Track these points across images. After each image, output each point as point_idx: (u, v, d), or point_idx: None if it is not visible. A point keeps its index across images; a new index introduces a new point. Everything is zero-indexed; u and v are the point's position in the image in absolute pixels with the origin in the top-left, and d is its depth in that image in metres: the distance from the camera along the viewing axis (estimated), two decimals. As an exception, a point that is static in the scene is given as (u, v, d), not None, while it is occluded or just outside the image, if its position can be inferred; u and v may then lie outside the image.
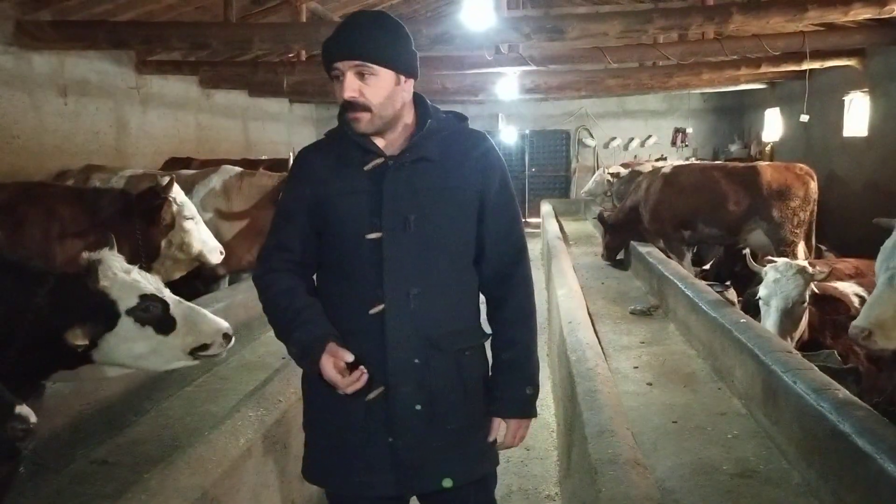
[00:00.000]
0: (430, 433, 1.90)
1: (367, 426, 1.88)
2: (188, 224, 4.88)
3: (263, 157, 9.41)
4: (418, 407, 1.89)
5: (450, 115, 2.03)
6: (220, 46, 8.13)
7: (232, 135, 12.36)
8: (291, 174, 2.05)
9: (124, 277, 2.69)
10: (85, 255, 2.69)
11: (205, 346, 2.82)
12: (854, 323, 2.98)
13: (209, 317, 2.83)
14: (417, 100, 1.99)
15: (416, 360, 1.88)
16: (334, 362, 1.77)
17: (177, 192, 4.85)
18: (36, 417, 1.94)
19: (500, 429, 2.02)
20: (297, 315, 1.86)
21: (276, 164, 7.47)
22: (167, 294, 2.78)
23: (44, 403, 2.90)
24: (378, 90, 1.85)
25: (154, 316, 2.70)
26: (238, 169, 6.36)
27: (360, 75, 1.83)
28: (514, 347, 2.03)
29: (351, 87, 1.83)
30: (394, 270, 1.86)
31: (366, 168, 1.89)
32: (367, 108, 1.85)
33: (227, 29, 7.21)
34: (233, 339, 2.84)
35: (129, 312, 2.64)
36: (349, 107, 1.84)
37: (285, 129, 15.09)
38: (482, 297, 2.10)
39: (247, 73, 10.50)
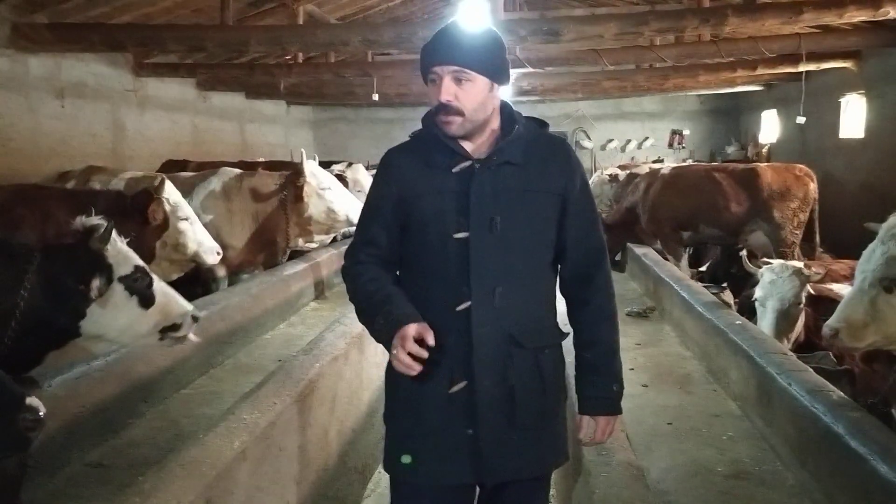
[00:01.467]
0: (509, 427, 1.96)
1: (449, 417, 1.95)
2: (183, 225, 4.88)
3: (260, 160, 9.41)
4: (499, 401, 1.95)
5: (531, 121, 2.09)
6: (216, 49, 8.12)
7: (228, 137, 12.37)
8: (379, 173, 2.11)
9: (122, 246, 2.77)
10: (79, 220, 2.73)
11: (175, 327, 2.93)
12: (825, 323, 3.05)
13: (179, 298, 2.94)
14: (503, 105, 2.07)
15: (500, 357, 1.95)
16: (413, 337, 1.83)
17: (170, 193, 4.85)
18: (45, 409, 1.98)
19: (588, 426, 2.07)
20: (388, 298, 1.94)
21: (272, 167, 7.47)
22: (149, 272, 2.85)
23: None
24: (472, 95, 1.93)
25: (141, 288, 2.78)
26: (237, 170, 6.37)
27: (458, 80, 1.92)
28: (599, 347, 2.09)
29: (448, 90, 1.91)
30: (480, 269, 1.93)
31: (454, 170, 1.96)
32: (460, 112, 1.93)
33: (224, 31, 7.22)
34: (199, 320, 2.98)
35: (122, 280, 2.69)
36: (443, 110, 1.92)
37: (282, 131, 15.10)
38: (559, 297, 2.15)
39: (243, 76, 10.53)
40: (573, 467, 2.77)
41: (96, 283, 2.64)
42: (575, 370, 2.11)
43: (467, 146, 1.99)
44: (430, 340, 1.84)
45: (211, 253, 5.06)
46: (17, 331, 2.51)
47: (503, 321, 1.94)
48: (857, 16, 6.21)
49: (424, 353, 1.83)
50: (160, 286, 2.92)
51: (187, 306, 3.00)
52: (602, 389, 2.07)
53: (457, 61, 1.91)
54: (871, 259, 2.97)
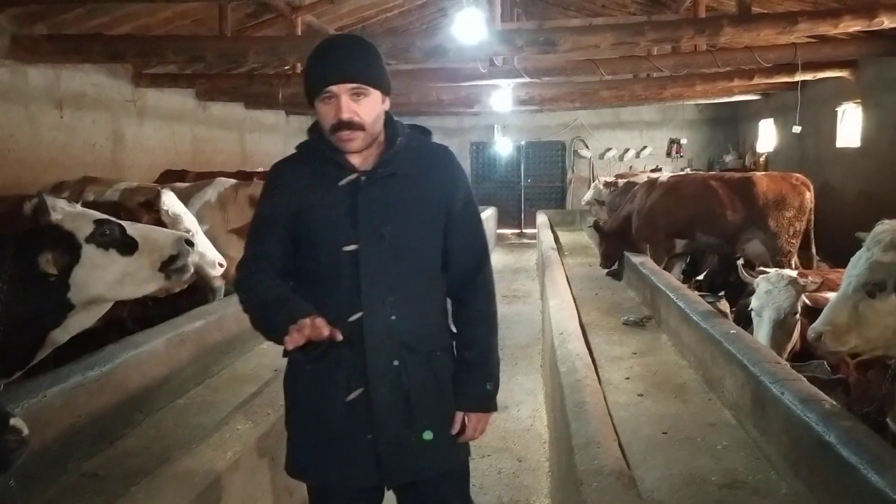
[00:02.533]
0: (408, 429, 2.03)
1: (348, 424, 2.01)
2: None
3: (259, 170, 9.43)
4: (396, 406, 2.02)
5: (414, 130, 2.15)
6: (215, 59, 8.17)
7: (228, 147, 12.40)
8: (268, 186, 2.12)
9: (73, 208, 2.76)
10: (26, 204, 2.77)
11: (173, 259, 2.93)
12: (810, 326, 3.15)
13: (163, 230, 2.98)
14: (386, 116, 2.10)
15: (394, 363, 2.01)
16: (311, 326, 1.81)
17: (170, 204, 4.84)
18: (28, 430, 1.99)
19: (462, 423, 2.14)
20: (289, 298, 1.94)
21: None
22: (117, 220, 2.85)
23: (36, 416, 2.93)
24: (370, 110, 1.98)
25: (114, 238, 2.77)
26: (233, 181, 6.38)
27: (356, 96, 1.95)
28: (476, 346, 2.17)
29: (348, 108, 1.94)
30: (370, 280, 1.98)
31: (340, 183, 2.00)
32: (362, 128, 1.96)
33: (222, 42, 7.26)
34: (195, 245, 2.97)
35: (89, 239, 2.69)
36: (346, 126, 1.94)
37: (282, 140, 15.13)
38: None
39: (242, 86, 10.56)
40: (565, 475, 2.78)
41: (53, 255, 2.64)
42: (455, 368, 2.16)
43: (354, 159, 2.03)
44: (339, 336, 1.86)
45: (213, 265, 5.01)
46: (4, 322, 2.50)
47: (395, 328, 2.00)
48: (853, 25, 6.23)
49: (326, 332, 1.82)
50: (138, 228, 2.92)
51: (175, 234, 3.01)
52: (477, 387, 2.15)
53: (354, 78, 1.95)
54: (857, 265, 3.07)
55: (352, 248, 1.98)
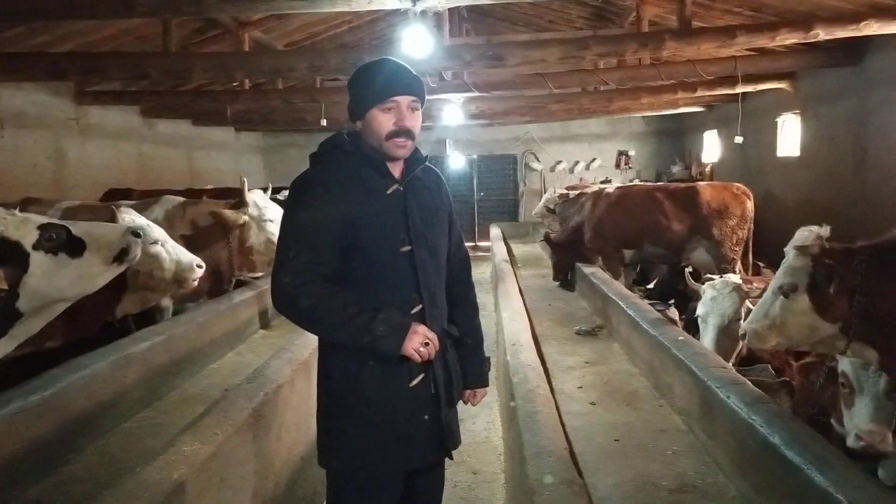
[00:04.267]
0: (450, 406, 2.38)
1: (411, 408, 2.27)
2: (154, 249, 4.70)
3: (209, 187, 9.31)
4: (445, 386, 2.33)
5: (419, 151, 2.39)
6: (160, 76, 8.04)
7: (176, 164, 12.22)
8: (313, 192, 2.22)
9: (14, 217, 2.69)
10: None
11: (124, 252, 2.94)
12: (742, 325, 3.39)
13: (109, 225, 2.97)
14: None
15: (443, 349, 2.31)
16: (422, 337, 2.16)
17: (130, 220, 4.69)
18: None
19: (471, 398, 2.59)
20: (365, 305, 2.16)
21: (221, 194, 7.39)
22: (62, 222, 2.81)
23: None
24: (419, 123, 2.28)
25: (61, 241, 2.73)
26: (180, 199, 6.28)
27: (412, 109, 2.24)
28: (476, 334, 2.58)
29: (410, 118, 2.23)
30: (424, 277, 2.27)
31: (388, 192, 2.25)
32: (413, 137, 2.26)
33: (167, 59, 7.17)
34: (142, 234, 3.02)
35: (36, 246, 2.64)
36: (404, 133, 2.22)
37: (231, 157, 14.97)
38: None
39: (189, 103, 10.44)
40: (518, 486, 2.79)
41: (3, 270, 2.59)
42: (458, 353, 2.49)
43: (392, 169, 2.29)
44: (437, 342, 2.21)
45: (191, 269, 4.88)
46: None
47: (441, 318, 2.37)
48: (790, 38, 6.43)
49: (437, 347, 2.22)
50: (83, 227, 2.88)
51: (121, 227, 3.02)
52: (482, 368, 2.57)
53: (414, 92, 2.24)
54: (781, 271, 3.26)
55: (407, 249, 2.24)
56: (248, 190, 6.24)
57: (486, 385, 2.60)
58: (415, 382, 2.26)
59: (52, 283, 2.72)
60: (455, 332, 2.45)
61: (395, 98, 2.21)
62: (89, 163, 9.47)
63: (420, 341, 2.15)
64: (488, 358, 2.63)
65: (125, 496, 2.21)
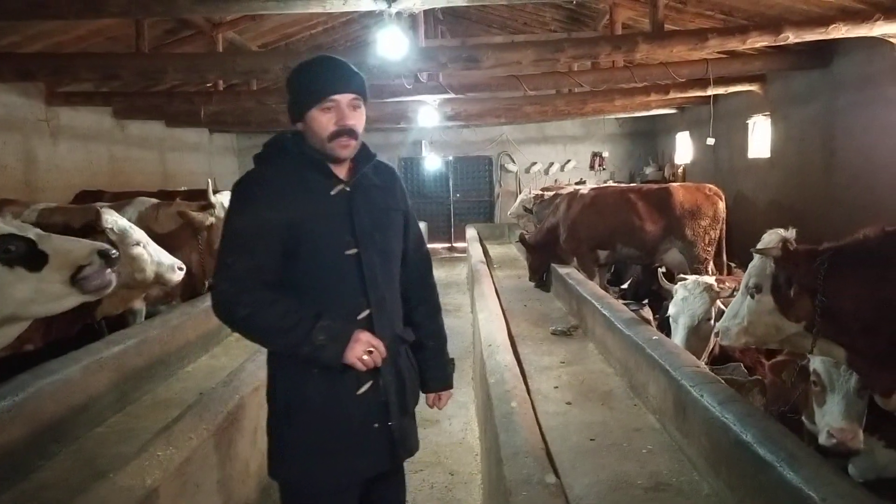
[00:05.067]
0: (403, 414, 2.28)
1: (360, 416, 2.18)
2: (135, 250, 4.68)
3: (182, 189, 9.22)
4: (397, 393, 2.24)
5: (367, 148, 2.30)
6: (131, 77, 7.95)
7: (148, 166, 12.07)
8: (251, 196, 2.13)
9: None
10: None
11: (81, 269, 2.82)
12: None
13: (81, 241, 2.86)
14: None
15: (393, 354, 2.23)
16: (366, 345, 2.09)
17: (113, 222, 4.67)
18: None
19: (435, 401, 2.54)
20: (306, 313, 2.07)
21: (194, 196, 7.32)
22: (33, 231, 2.72)
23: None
24: (362, 121, 2.19)
25: (20, 254, 2.67)
26: (153, 200, 6.22)
27: (354, 107, 2.15)
28: (438, 336, 2.50)
29: (351, 116, 2.13)
30: (372, 280, 2.18)
31: (332, 193, 2.16)
32: (356, 136, 2.16)
33: (139, 59, 7.08)
34: (115, 257, 2.90)
35: None
36: (347, 133, 2.12)
37: (205, 159, 14.83)
38: None
39: (162, 104, 10.32)
40: (495, 487, 2.79)
41: None
42: (419, 357, 2.43)
43: (336, 170, 2.20)
44: (383, 350, 2.13)
45: (172, 270, 4.88)
46: None
47: (392, 322, 2.27)
48: (760, 41, 6.51)
49: (384, 354, 2.13)
50: (54, 241, 2.80)
51: (91, 245, 2.89)
52: (445, 370, 2.51)
53: (354, 90, 2.15)
54: (748, 273, 3.36)
55: (353, 251, 2.15)
56: (215, 192, 6.19)
57: (451, 387, 2.54)
58: (362, 390, 2.17)
59: (8, 297, 2.65)
60: (410, 337, 2.37)
61: (334, 97, 2.11)
62: (60, 165, 9.33)
63: (363, 349, 2.08)
64: (453, 360, 2.56)
65: (98, 502, 2.18)
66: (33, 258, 2.72)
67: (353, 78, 2.16)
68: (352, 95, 2.14)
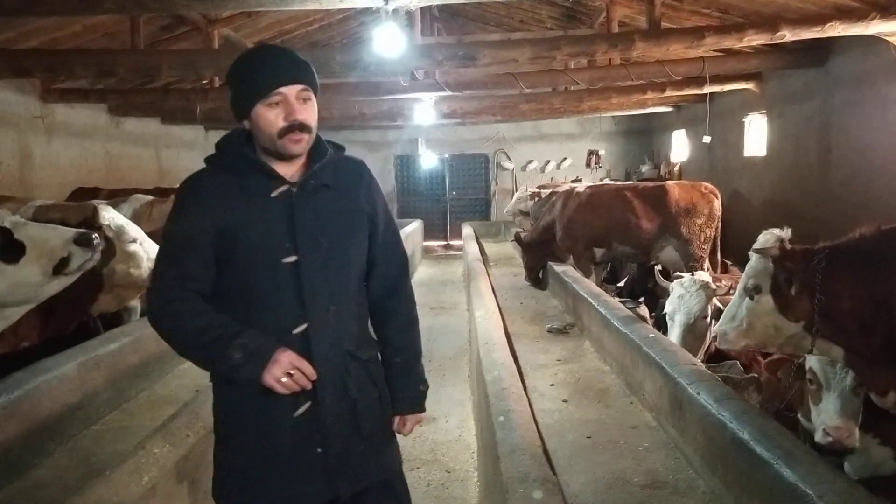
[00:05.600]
0: (355, 438, 2.04)
1: (297, 439, 1.97)
2: (132, 247, 4.67)
3: (177, 186, 9.19)
4: (344, 415, 2.02)
5: (331, 144, 2.12)
6: (127, 74, 7.92)
7: (144, 164, 12.04)
8: (183, 202, 2.00)
9: None
10: None
11: (65, 262, 2.78)
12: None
13: (58, 229, 2.80)
14: None
15: (339, 373, 2.01)
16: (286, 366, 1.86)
17: (110, 219, 4.66)
18: None
19: (400, 425, 2.24)
20: (228, 327, 1.89)
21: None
22: (10, 219, 2.70)
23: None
24: (313, 114, 1.99)
25: None
26: (148, 197, 6.21)
27: (303, 100, 1.95)
28: (407, 352, 2.24)
29: (301, 110, 1.94)
30: (312, 291, 1.96)
31: (273, 195, 1.96)
32: (310, 131, 1.96)
33: (135, 56, 7.06)
34: (95, 243, 2.84)
35: None
36: (298, 128, 1.93)
37: (201, 156, 14.43)
38: None
39: (158, 101, 10.29)
40: (492, 485, 2.79)
41: None
42: (386, 375, 2.21)
43: (283, 169, 2.00)
44: (309, 371, 1.89)
45: None
46: None
47: (338, 337, 2.01)
48: (756, 39, 6.52)
49: (312, 376, 1.90)
50: (30, 230, 2.77)
51: (66, 234, 2.84)
52: (413, 390, 2.23)
53: (302, 80, 1.95)
54: (746, 274, 3.34)
55: (291, 259, 1.94)
56: None
57: (419, 410, 2.26)
58: (300, 411, 1.96)
59: None
60: (365, 355, 2.12)
61: (281, 90, 1.92)
62: (55, 162, 9.30)
63: (282, 370, 1.85)
64: (425, 380, 2.29)
65: (94, 500, 2.18)
66: (10, 249, 2.70)
67: (301, 68, 1.97)
68: (299, 87, 1.94)
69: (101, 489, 2.23)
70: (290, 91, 1.92)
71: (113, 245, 4.55)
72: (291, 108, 1.92)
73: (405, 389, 2.22)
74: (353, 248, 2.08)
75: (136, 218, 5.76)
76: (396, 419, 2.22)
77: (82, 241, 2.89)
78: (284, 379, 1.85)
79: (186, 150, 14.04)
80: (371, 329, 2.25)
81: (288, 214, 1.96)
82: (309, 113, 1.96)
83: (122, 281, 4.71)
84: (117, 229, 4.65)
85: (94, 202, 5.43)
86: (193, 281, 1.94)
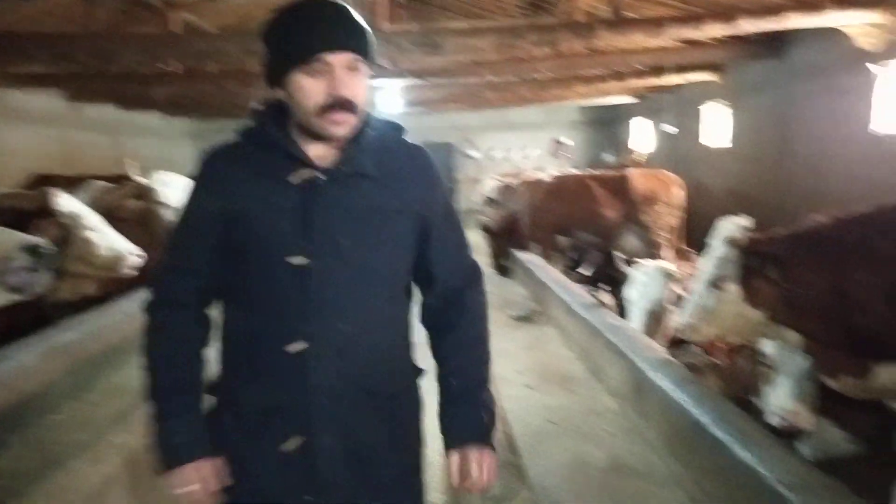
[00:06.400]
0: (357, 489, 1.64)
1: (282, 481, 1.61)
2: (88, 234, 4.57)
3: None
4: (346, 461, 1.62)
5: (386, 124, 1.73)
6: (85, 58, 7.74)
7: (103, 150, 11.82)
8: (196, 183, 1.67)
9: None
10: None
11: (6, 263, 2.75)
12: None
13: (9, 233, 2.82)
14: None
15: (344, 408, 1.61)
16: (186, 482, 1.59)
17: (65, 205, 4.56)
18: None
19: (459, 463, 1.69)
20: (183, 404, 1.63)
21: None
22: None
23: None
24: (362, 90, 1.59)
25: None
26: (105, 183, 6.10)
27: (352, 71, 1.55)
28: (465, 373, 1.77)
29: (348, 84, 1.54)
30: (322, 302, 1.58)
31: (293, 181, 1.59)
32: (355, 110, 1.57)
33: (91, 40, 6.90)
34: (47, 253, 2.74)
35: None
36: (342, 105, 1.54)
37: (161, 143, 14.56)
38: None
39: (118, 87, 10.08)
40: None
41: None
42: (439, 402, 1.76)
43: (313, 151, 1.61)
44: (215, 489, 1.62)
45: (129, 258, 4.70)
46: None
47: (347, 364, 1.61)
48: (714, 29, 6.61)
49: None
50: None
51: (18, 238, 2.87)
52: (472, 419, 1.72)
53: (353, 47, 1.54)
54: (706, 262, 3.38)
55: (299, 260, 1.57)
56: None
57: (484, 443, 1.70)
58: (287, 447, 1.60)
59: None
60: (391, 388, 1.69)
61: (327, 57, 1.51)
62: (9, 148, 9.08)
63: (179, 487, 1.59)
64: (492, 409, 1.76)
65: (55, 490, 2.15)
66: None
67: (354, 32, 1.55)
68: (350, 56, 1.54)
69: (62, 478, 2.21)
70: (338, 59, 1.52)
71: (69, 232, 4.46)
72: (335, 82, 1.52)
73: (460, 417, 1.72)
74: (386, 255, 1.65)
75: (94, 205, 5.65)
76: (453, 462, 1.69)
77: (32, 250, 2.88)
78: (178, 490, 1.59)
79: (149, 136, 13.84)
80: (431, 354, 1.83)
81: (306, 206, 1.57)
82: (357, 88, 1.56)
83: (76, 269, 4.61)
84: (73, 216, 4.55)
85: (49, 189, 5.31)
86: (194, 275, 1.66)
